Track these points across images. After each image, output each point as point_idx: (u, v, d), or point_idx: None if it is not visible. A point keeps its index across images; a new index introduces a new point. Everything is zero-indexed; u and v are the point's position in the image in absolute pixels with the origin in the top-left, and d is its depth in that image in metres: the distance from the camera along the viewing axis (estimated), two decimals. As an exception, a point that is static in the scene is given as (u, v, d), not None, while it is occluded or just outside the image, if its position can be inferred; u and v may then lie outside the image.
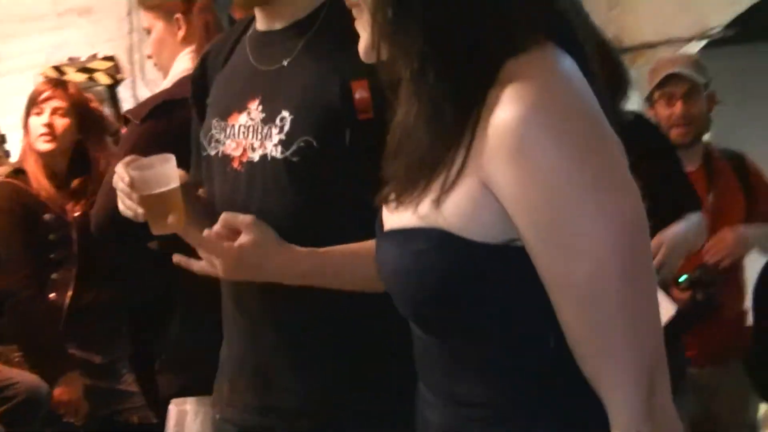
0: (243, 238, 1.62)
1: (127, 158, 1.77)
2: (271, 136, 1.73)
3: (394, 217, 1.23)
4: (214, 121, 1.85)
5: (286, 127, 1.72)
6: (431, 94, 1.15)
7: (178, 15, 2.74)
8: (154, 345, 2.80)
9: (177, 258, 1.71)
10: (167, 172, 1.69)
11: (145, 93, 5.09)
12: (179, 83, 2.60)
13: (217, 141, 1.84)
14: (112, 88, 5.16)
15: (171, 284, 2.60)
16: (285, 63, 1.77)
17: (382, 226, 1.30)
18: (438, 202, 1.14)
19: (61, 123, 3.54)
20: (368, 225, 1.61)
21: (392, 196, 1.23)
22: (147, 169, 1.69)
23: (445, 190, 1.14)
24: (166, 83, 2.73)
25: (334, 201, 1.70)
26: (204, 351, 2.09)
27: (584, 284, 1.09)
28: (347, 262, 1.64)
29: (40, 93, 3.56)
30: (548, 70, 1.10)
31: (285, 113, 1.73)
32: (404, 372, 1.42)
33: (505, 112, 1.07)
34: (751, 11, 5.30)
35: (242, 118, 1.79)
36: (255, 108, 1.78)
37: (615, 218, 1.07)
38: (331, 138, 1.68)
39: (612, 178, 1.09)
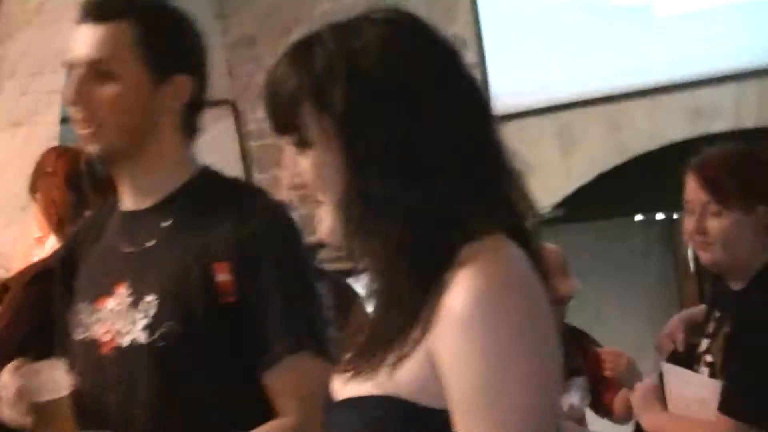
0: None
1: (16, 362, 1.73)
2: (136, 321, 1.72)
3: (349, 387, 1.27)
4: (82, 305, 1.83)
5: (152, 311, 1.72)
6: (392, 276, 1.23)
7: None
8: None
9: None
10: (56, 378, 1.67)
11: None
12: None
13: (84, 326, 1.81)
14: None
15: None
16: (150, 244, 1.77)
17: (330, 396, 1.33)
18: (392, 371, 1.20)
19: None
20: (237, 404, 1.64)
21: (349, 366, 1.27)
22: (35, 375, 1.66)
23: (400, 360, 1.20)
24: (46, 251, 2.66)
25: (199, 386, 1.69)
26: None
27: None
28: None
29: None
30: (499, 259, 1.19)
31: (150, 297, 1.72)
32: None
33: (458, 293, 1.15)
34: (576, 194, 5.68)
35: (111, 303, 1.77)
36: (123, 292, 1.76)
37: (531, 409, 1.14)
38: (194, 322, 1.68)
39: (540, 372, 1.16)
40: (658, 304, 6.43)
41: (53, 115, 5.20)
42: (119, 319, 1.75)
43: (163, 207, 1.79)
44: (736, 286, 2.47)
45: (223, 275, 1.67)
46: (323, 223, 1.29)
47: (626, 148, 5.72)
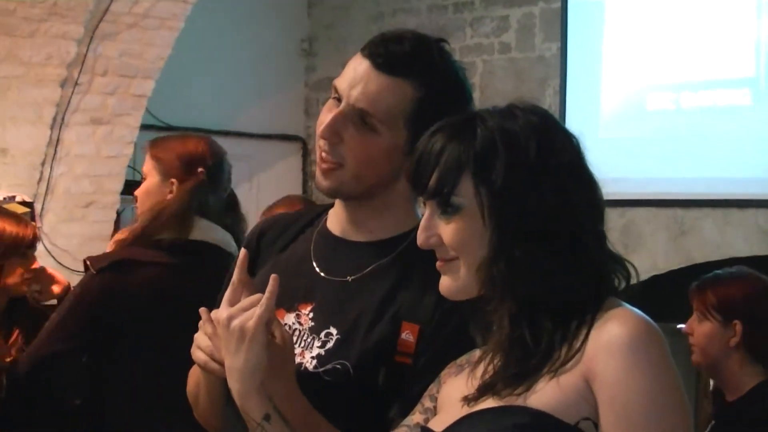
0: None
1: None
2: (311, 348, 1.68)
3: (481, 405, 1.39)
4: None
5: (329, 345, 1.67)
6: (533, 321, 1.39)
7: (174, 180, 2.74)
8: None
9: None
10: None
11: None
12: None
13: None
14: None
15: None
16: (349, 279, 1.72)
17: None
18: (530, 391, 1.35)
19: None
20: None
21: (484, 390, 1.40)
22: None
23: (543, 382, 1.36)
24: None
25: (349, 422, 1.63)
26: None
27: None
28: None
29: None
30: (637, 310, 1.40)
31: (333, 331, 1.68)
32: None
33: (619, 326, 1.36)
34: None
35: (289, 319, 1.72)
36: (306, 313, 1.72)
37: (684, 423, 1.35)
38: (365, 370, 1.63)
39: (686, 400, 1.37)
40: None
41: (136, 119, 5.34)
42: (293, 337, 1.69)
43: (374, 248, 1.73)
44: (730, 398, 2.74)
45: (408, 335, 1.64)
46: (454, 280, 1.45)
47: (690, 255, 5.55)
